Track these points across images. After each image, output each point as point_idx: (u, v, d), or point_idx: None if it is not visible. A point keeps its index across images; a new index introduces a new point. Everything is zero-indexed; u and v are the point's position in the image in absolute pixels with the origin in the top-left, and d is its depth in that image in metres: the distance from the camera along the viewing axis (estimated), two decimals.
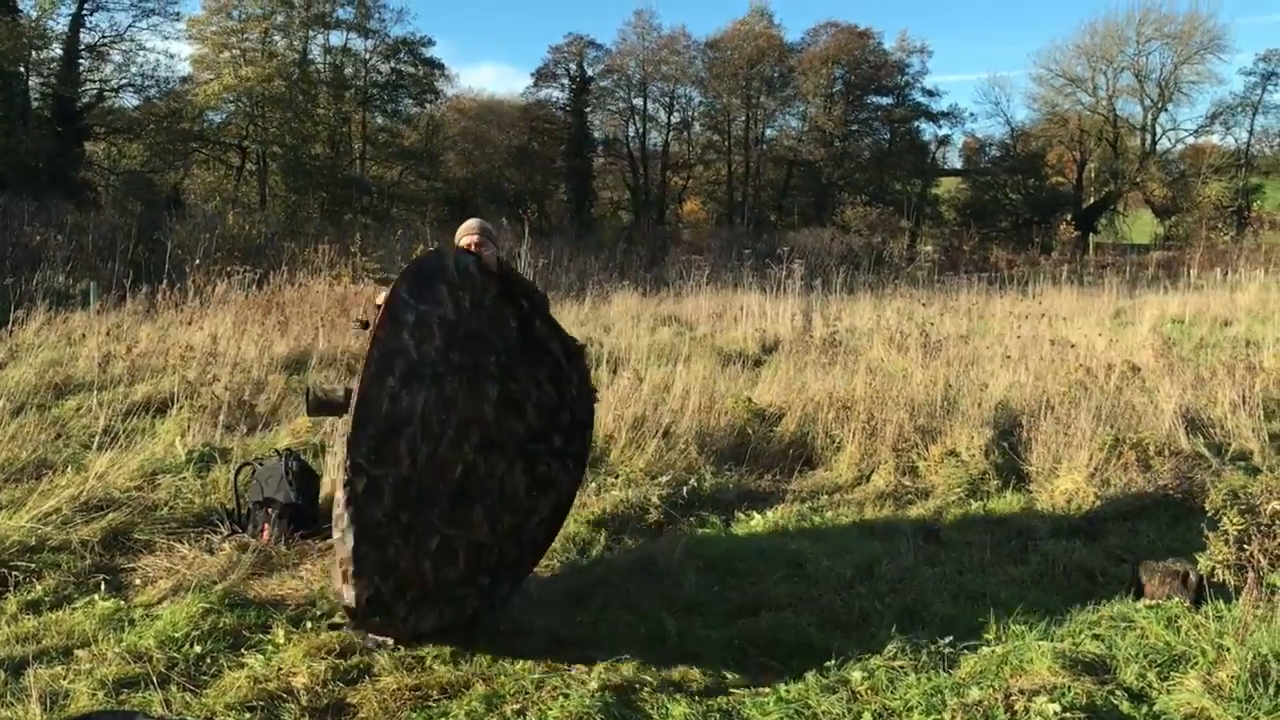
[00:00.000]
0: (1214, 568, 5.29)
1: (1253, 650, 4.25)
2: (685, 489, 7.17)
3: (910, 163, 48.54)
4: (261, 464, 6.52)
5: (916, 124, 49.67)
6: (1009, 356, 10.70)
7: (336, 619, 4.87)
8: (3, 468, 6.85)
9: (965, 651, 4.65)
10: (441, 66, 44.29)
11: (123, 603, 5.19)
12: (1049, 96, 48.01)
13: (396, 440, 4.32)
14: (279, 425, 8.64)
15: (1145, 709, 4.12)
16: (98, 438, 7.61)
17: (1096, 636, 4.73)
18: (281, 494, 6.21)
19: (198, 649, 4.61)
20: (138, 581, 5.52)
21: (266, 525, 6.13)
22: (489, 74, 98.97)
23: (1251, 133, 46.60)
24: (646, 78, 46.81)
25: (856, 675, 4.34)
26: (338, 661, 4.52)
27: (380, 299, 4.68)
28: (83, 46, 35.12)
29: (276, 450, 6.81)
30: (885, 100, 48.95)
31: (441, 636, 4.66)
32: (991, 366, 10.30)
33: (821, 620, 5.10)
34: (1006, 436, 8.28)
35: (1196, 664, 4.38)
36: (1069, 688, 4.15)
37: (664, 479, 7.28)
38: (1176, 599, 5.03)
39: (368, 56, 42.71)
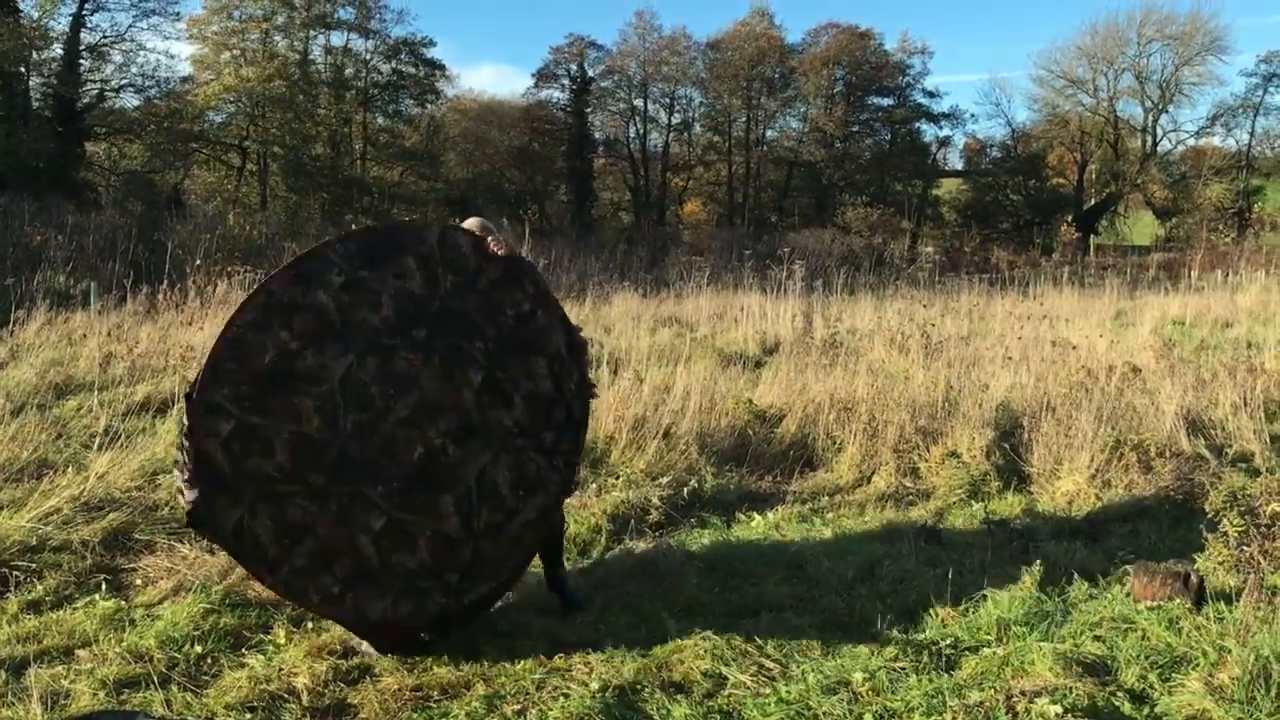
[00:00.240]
0: (1215, 569, 5.30)
1: (1254, 652, 4.24)
2: (686, 490, 7.17)
3: (911, 164, 48.56)
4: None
5: (917, 125, 49.77)
6: (1010, 358, 10.70)
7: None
8: (3, 467, 6.85)
9: (966, 653, 4.65)
10: (442, 67, 44.41)
11: (124, 603, 5.19)
12: (1050, 98, 48.10)
13: (291, 396, 4.22)
14: None
15: (1146, 710, 4.11)
16: (98, 438, 7.60)
17: (1098, 638, 4.72)
18: None
19: (199, 649, 4.62)
20: (139, 581, 5.52)
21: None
22: (490, 75, 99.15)
23: (1252, 134, 46.70)
24: (647, 78, 46.84)
25: (857, 676, 4.33)
26: (339, 662, 4.52)
27: None
28: (83, 47, 35.19)
29: None
30: (886, 101, 49.03)
31: (417, 643, 4.58)
32: (992, 368, 10.30)
33: (822, 621, 5.10)
34: (1008, 438, 8.27)
35: (1198, 665, 4.37)
36: (1070, 689, 4.15)
37: (664, 480, 7.28)
38: (1178, 600, 5.02)
39: (369, 57, 42.78)
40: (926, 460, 8.10)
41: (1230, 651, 4.35)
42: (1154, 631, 4.72)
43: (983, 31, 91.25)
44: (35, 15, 33.63)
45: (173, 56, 63.14)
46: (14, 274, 15.17)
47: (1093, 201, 47.23)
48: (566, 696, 4.20)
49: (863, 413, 8.58)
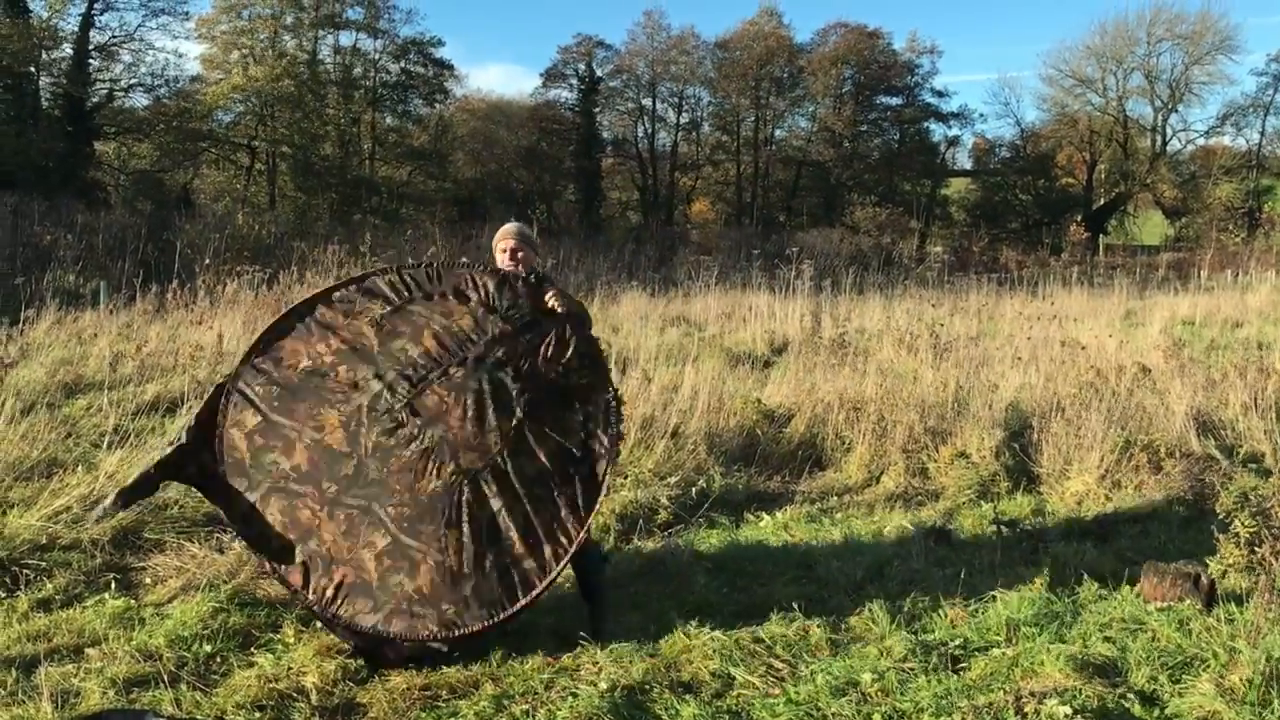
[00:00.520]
0: (1226, 570, 5.28)
1: (1265, 653, 4.23)
2: (694, 489, 7.17)
3: (920, 163, 48.45)
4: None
5: (926, 124, 49.63)
6: (1019, 358, 10.68)
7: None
8: (14, 466, 6.86)
9: (975, 654, 4.64)
10: (451, 67, 44.40)
11: (133, 601, 5.21)
12: (1059, 97, 47.93)
13: (320, 406, 4.36)
14: None
15: (1157, 712, 4.10)
16: (108, 437, 7.62)
17: (1108, 639, 4.71)
18: None
19: (208, 648, 4.63)
20: (148, 580, 5.54)
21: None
22: (498, 74, 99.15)
23: (1263, 134, 46.43)
24: (655, 78, 46.79)
25: (866, 677, 4.32)
26: (348, 661, 4.52)
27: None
28: (92, 46, 35.22)
29: None
30: (895, 101, 48.92)
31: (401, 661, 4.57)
32: (1002, 368, 10.28)
33: (831, 622, 5.09)
34: (1017, 438, 8.26)
35: (1208, 667, 4.36)
36: (1080, 690, 4.14)
37: (673, 479, 7.28)
38: (1188, 601, 5.01)
39: (377, 57, 42.80)
40: (935, 460, 8.09)
41: (1241, 653, 4.34)
42: (1164, 633, 4.71)
43: (991, 31, 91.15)
44: (45, 15, 33.73)
45: (181, 56, 63.54)
46: (24, 273, 15.22)
47: (1102, 201, 47.08)
48: (575, 696, 4.20)
49: (871, 413, 8.57)
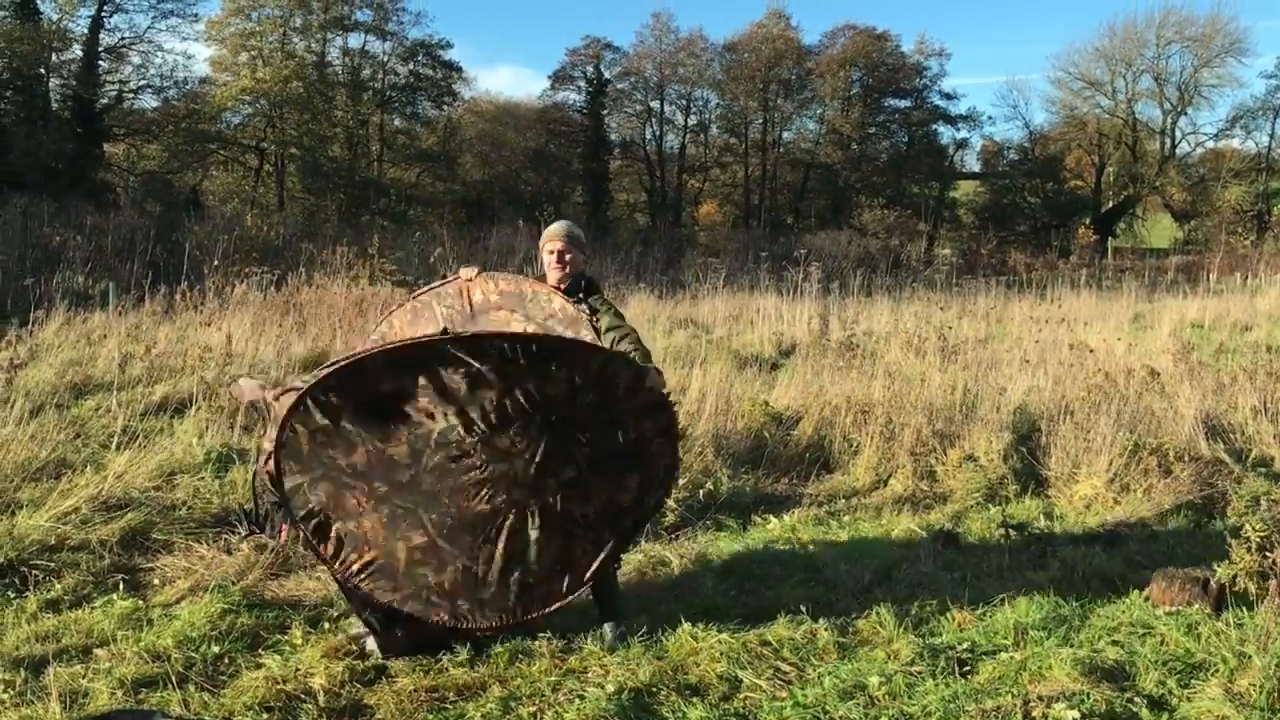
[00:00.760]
0: (1235, 575, 5.26)
1: (1275, 658, 4.21)
2: (702, 492, 7.17)
3: (928, 166, 48.38)
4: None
5: (934, 127, 49.54)
6: (1027, 361, 10.66)
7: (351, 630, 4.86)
8: (22, 467, 6.88)
9: (983, 657, 4.63)
10: (459, 69, 44.46)
11: (141, 602, 5.22)
12: (1067, 100, 47.86)
13: (391, 423, 4.36)
14: None
15: (1166, 717, 4.09)
16: (116, 437, 7.64)
17: (1116, 643, 4.70)
18: None
19: (216, 649, 4.64)
20: (156, 581, 5.55)
21: (284, 526, 6.13)
22: (506, 76, 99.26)
23: (1272, 136, 46.30)
24: (664, 80, 46.79)
25: (874, 681, 4.32)
26: (355, 663, 4.53)
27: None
28: (102, 48, 35.39)
29: None
30: (903, 103, 48.84)
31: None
32: (1010, 370, 10.27)
33: (839, 625, 5.08)
34: (1025, 441, 8.24)
35: (1218, 672, 4.34)
36: (1088, 694, 4.13)
37: (680, 482, 7.26)
38: (1197, 606, 5.00)
39: (386, 59, 42.87)
40: (943, 463, 8.08)
41: (1251, 658, 4.32)
42: (1173, 637, 4.69)
43: (1000, 33, 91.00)
44: (54, 17, 33.84)
45: (190, 58, 63.37)
46: (33, 274, 15.25)
47: (1110, 204, 46.99)
48: (582, 699, 4.20)
49: (879, 415, 8.56)
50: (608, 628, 4.88)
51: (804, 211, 47.55)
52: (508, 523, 4.56)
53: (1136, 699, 4.16)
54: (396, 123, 44.57)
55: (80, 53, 34.65)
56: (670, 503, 6.87)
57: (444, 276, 5.22)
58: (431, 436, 4.40)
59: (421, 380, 4.31)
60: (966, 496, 7.56)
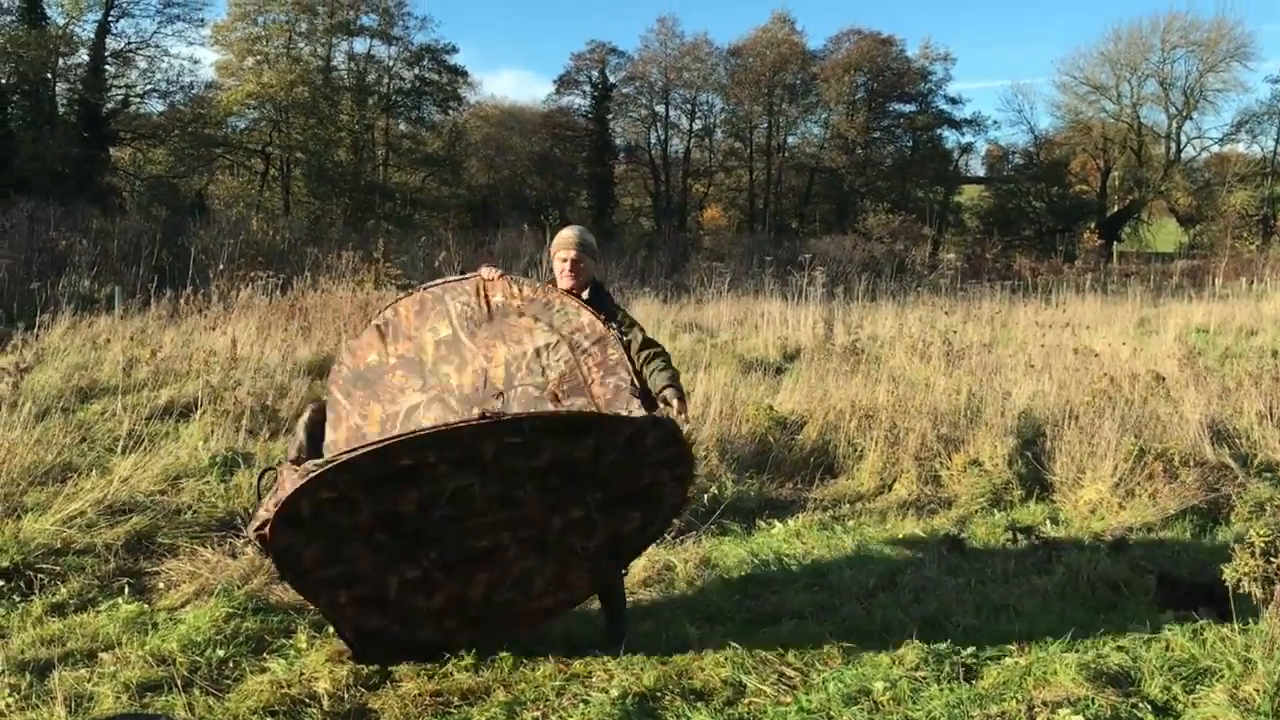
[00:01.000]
0: (1240, 580, 5.24)
1: None
2: (706, 496, 7.16)
3: (933, 170, 48.32)
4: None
5: (939, 131, 49.46)
6: (1032, 365, 10.65)
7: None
8: (28, 471, 6.89)
9: (988, 663, 4.62)
10: (465, 73, 44.45)
11: (146, 606, 5.22)
12: (1072, 104, 47.77)
13: (405, 487, 4.22)
14: None
15: None
16: (122, 441, 7.65)
17: (1121, 648, 4.69)
18: None
19: (221, 653, 4.64)
20: (161, 585, 5.55)
21: None
22: (511, 81, 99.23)
23: (1278, 141, 46.11)
24: (669, 84, 46.79)
25: (879, 686, 4.32)
26: (359, 667, 4.53)
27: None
28: (108, 53, 35.41)
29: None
30: (908, 107, 48.78)
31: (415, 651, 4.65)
32: (1015, 375, 10.26)
33: (843, 630, 5.08)
34: (1030, 446, 8.24)
35: (1222, 677, 4.34)
36: (1093, 700, 4.12)
37: None
38: (1202, 611, 4.99)
39: (391, 63, 42.89)
40: (948, 468, 8.07)
41: (1256, 664, 4.31)
42: (1178, 642, 4.69)
43: (1005, 38, 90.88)
44: (61, 22, 33.93)
45: (197, 62, 63.23)
46: (39, 278, 15.27)
47: (1116, 208, 46.90)
48: (586, 703, 4.20)
49: (884, 420, 8.56)
50: (611, 632, 4.88)
51: (809, 216, 47.51)
52: (506, 555, 4.53)
53: (1141, 705, 4.16)
54: (402, 127, 44.58)
55: (87, 57, 34.70)
56: None
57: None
58: (444, 494, 4.28)
59: (444, 452, 4.18)
60: (971, 501, 7.56)
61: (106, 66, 35.46)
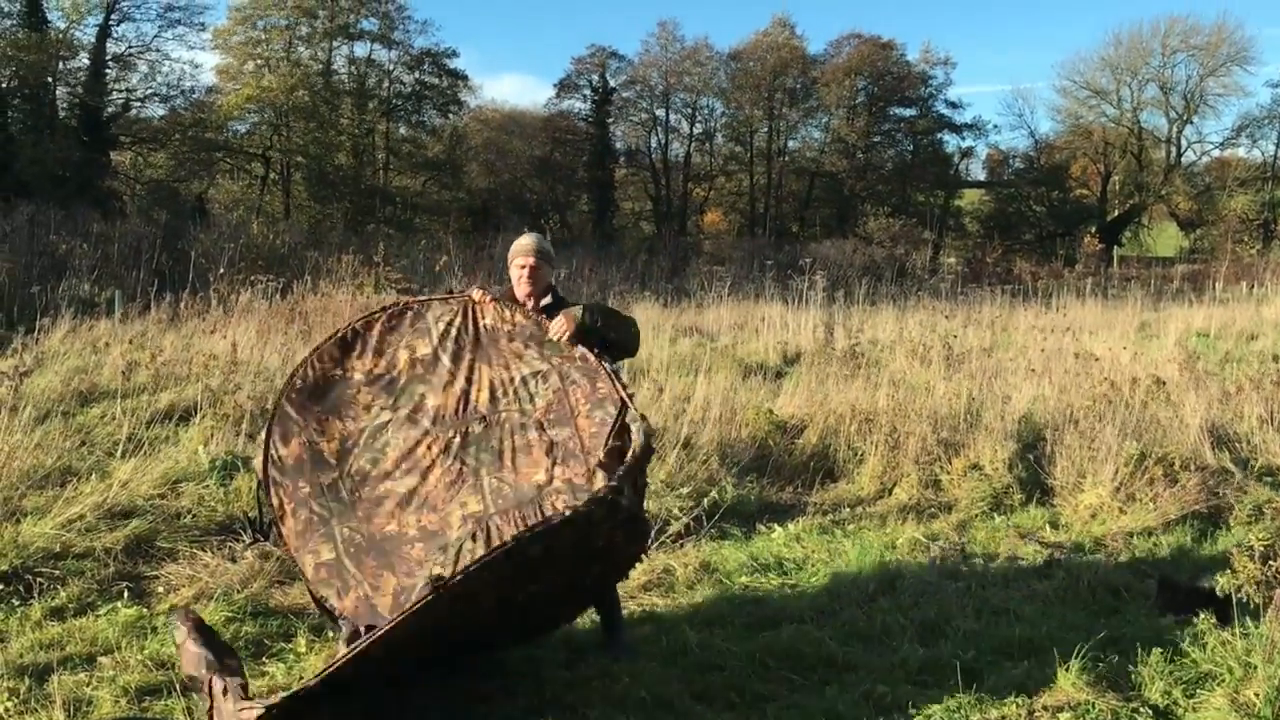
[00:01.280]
0: (1241, 585, 5.24)
1: None
2: (706, 500, 7.15)
3: (933, 174, 48.32)
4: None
5: (940, 136, 49.47)
6: (1033, 369, 10.65)
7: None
8: (28, 474, 6.89)
9: (988, 667, 4.62)
10: (465, 77, 44.45)
11: (146, 610, 5.22)
12: (1073, 108, 47.79)
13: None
14: None
15: None
16: (121, 445, 7.65)
17: (1121, 653, 4.69)
18: None
19: None
20: (160, 589, 5.55)
21: None
22: (512, 85, 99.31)
23: (1278, 145, 46.21)
24: (669, 89, 46.79)
25: (879, 690, 4.31)
26: None
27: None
28: (109, 57, 35.42)
29: None
30: (908, 112, 48.78)
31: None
32: (1015, 379, 10.26)
33: (843, 634, 5.08)
34: (1030, 450, 8.23)
35: (1223, 682, 4.34)
36: (1093, 704, 4.12)
37: (685, 490, 7.26)
38: (1202, 615, 4.98)
39: (391, 67, 42.92)
40: (948, 472, 8.07)
41: (1256, 668, 4.31)
42: (1179, 647, 4.68)
43: (1005, 42, 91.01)
44: (62, 26, 33.97)
45: (197, 66, 62.94)
46: (39, 282, 15.27)
47: (1116, 213, 46.90)
48: (589, 708, 4.19)
49: (884, 424, 8.55)
50: (611, 638, 4.87)
51: (809, 220, 47.51)
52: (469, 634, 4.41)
53: (1142, 709, 4.15)
54: (402, 131, 44.60)
55: (87, 61, 34.72)
56: (675, 511, 6.88)
57: (449, 289, 5.19)
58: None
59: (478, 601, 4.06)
60: (971, 506, 7.55)
61: (107, 70, 35.49)
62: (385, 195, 41.80)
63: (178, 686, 4.28)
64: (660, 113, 47.65)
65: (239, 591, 5.37)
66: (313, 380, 4.74)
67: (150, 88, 37.07)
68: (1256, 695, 4.13)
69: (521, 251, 4.99)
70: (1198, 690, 4.32)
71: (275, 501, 4.53)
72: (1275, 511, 6.93)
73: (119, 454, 7.53)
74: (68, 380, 9.99)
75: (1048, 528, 7.08)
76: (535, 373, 4.68)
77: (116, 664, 4.56)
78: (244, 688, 3.58)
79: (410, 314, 4.85)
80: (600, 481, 4.30)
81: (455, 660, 4.56)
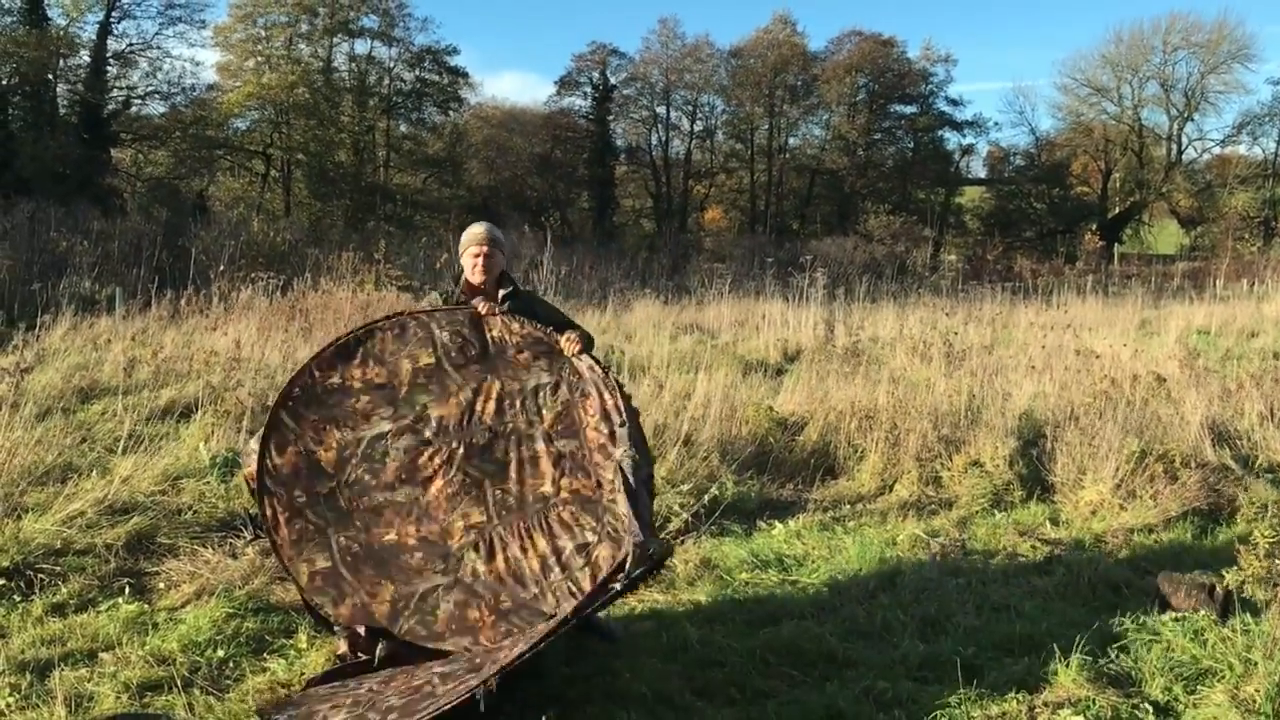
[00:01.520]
0: (1243, 581, 5.25)
1: None
2: (707, 497, 7.15)
3: (934, 172, 48.30)
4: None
5: (940, 133, 49.43)
6: (1033, 367, 10.65)
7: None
8: (29, 471, 6.89)
9: (989, 663, 4.62)
10: (465, 75, 44.42)
11: (146, 606, 5.22)
12: (1074, 106, 47.76)
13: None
14: None
15: None
16: (122, 442, 7.65)
17: (1122, 649, 4.69)
18: None
19: (221, 653, 4.64)
20: (161, 585, 5.55)
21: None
22: (512, 82, 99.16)
23: (1279, 143, 46.22)
24: (670, 86, 46.78)
25: (880, 686, 4.31)
26: None
27: None
28: (110, 54, 35.42)
29: None
30: (909, 109, 48.77)
31: None
32: (1016, 376, 10.25)
33: (844, 630, 5.08)
34: (1031, 447, 8.23)
35: (1224, 678, 4.34)
36: (1094, 700, 4.12)
37: (685, 487, 7.26)
38: (1203, 612, 4.99)
39: (392, 65, 42.90)
40: (949, 469, 8.07)
41: (1257, 664, 4.31)
42: (1179, 643, 4.68)
43: (1006, 39, 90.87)
44: (63, 23, 33.96)
45: (198, 64, 63.51)
46: (40, 279, 15.30)
47: (1117, 210, 46.87)
48: (589, 703, 4.20)
49: (885, 421, 8.55)
50: (598, 632, 4.87)
51: (810, 217, 47.49)
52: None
53: (1143, 705, 4.15)
54: (403, 128, 44.56)
55: (88, 58, 34.73)
56: (675, 508, 6.89)
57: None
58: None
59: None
60: (972, 502, 7.55)
61: (108, 68, 35.48)
62: (386, 193, 41.79)
63: (179, 682, 4.28)
64: (661, 110, 47.69)
65: (240, 588, 5.37)
66: (311, 388, 4.72)
67: (151, 85, 37.12)
68: (1257, 692, 4.13)
69: (474, 240, 5.07)
70: (1198, 686, 4.32)
71: (268, 512, 4.52)
72: (1278, 508, 6.93)
73: (120, 450, 7.53)
74: (69, 377, 10.00)
75: (1048, 524, 7.07)
76: (544, 384, 4.74)
77: (117, 660, 4.56)
78: None
79: (414, 324, 4.85)
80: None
81: None
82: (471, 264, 5.05)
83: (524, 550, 4.51)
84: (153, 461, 7.15)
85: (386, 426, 4.67)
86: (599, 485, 4.57)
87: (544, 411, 4.69)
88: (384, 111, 42.74)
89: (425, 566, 4.48)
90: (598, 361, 4.77)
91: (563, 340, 4.77)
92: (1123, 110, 46.23)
